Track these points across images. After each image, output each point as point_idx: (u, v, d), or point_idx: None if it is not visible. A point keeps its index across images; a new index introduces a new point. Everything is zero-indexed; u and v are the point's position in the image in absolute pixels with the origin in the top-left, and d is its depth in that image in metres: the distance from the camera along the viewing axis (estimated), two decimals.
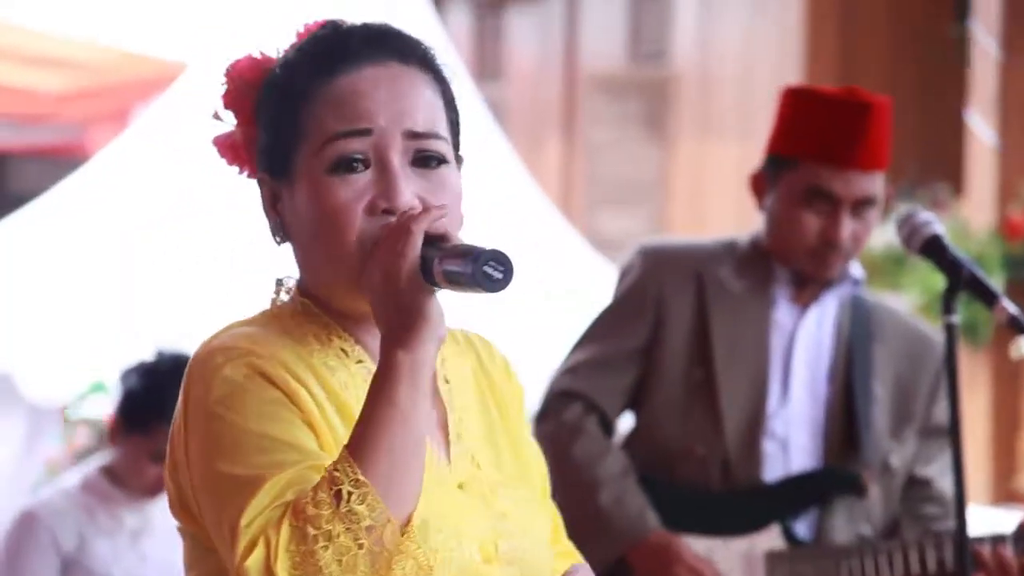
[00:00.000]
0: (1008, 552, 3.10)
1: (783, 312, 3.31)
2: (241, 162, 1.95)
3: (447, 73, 1.92)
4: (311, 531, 1.67)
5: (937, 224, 2.94)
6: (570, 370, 3.35)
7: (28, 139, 7.88)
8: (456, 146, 1.91)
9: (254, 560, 1.68)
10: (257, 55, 1.94)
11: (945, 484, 3.31)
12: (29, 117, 7.46)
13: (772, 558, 3.24)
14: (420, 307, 1.73)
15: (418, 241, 1.74)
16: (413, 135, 1.84)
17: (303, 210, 1.84)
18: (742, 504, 3.26)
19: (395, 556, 1.69)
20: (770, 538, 3.25)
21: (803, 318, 3.31)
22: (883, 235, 9.95)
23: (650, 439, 3.33)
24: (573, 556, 2.04)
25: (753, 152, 12.48)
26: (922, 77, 10.49)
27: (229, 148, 1.94)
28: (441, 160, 1.85)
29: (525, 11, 12.61)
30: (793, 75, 10.61)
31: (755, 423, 3.25)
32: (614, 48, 11.74)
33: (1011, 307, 2.77)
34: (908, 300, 9.22)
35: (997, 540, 3.11)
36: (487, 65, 12.48)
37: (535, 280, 5.80)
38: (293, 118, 1.85)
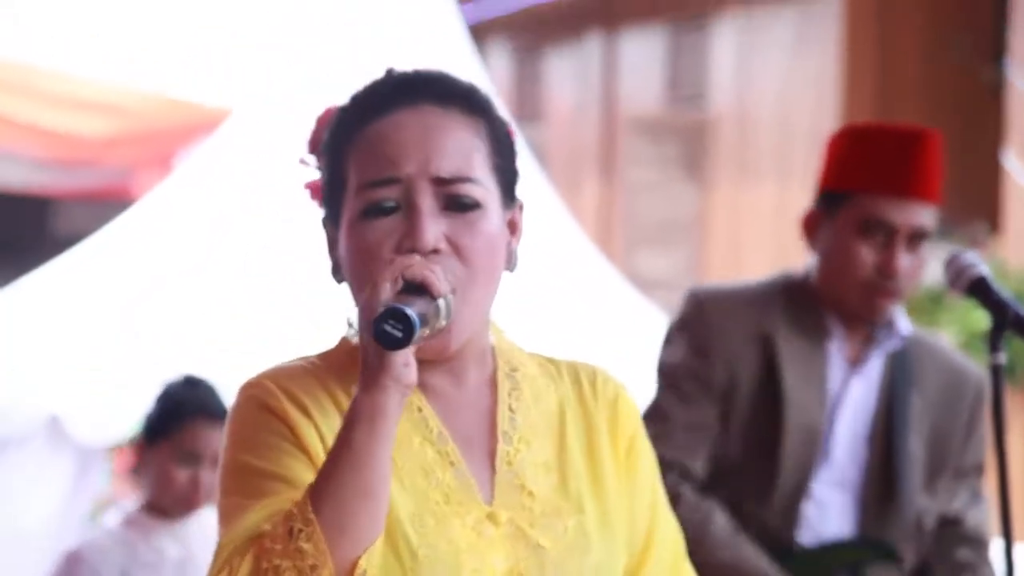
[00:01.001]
0: None
1: (835, 371, 3.26)
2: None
3: (496, 118, 1.94)
4: (264, 564, 1.73)
5: (983, 265, 2.96)
6: (658, 436, 3.28)
7: (74, 182, 7.95)
8: (506, 188, 1.93)
9: None
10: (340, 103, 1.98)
11: (975, 516, 3.30)
12: (75, 161, 7.52)
13: None
14: (376, 356, 1.75)
15: (380, 292, 1.76)
16: (440, 180, 1.87)
17: (343, 252, 1.90)
18: (781, 567, 3.20)
19: None
20: None
21: (850, 382, 3.27)
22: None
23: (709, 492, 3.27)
24: None
25: (791, 194, 12.59)
26: (959, 118, 10.51)
27: (316, 192, 2.00)
28: (474, 204, 1.87)
29: (564, 54, 12.67)
30: (830, 118, 10.64)
31: (801, 485, 3.21)
32: (652, 90, 11.78)
33: None
34: (947, 338, 9.21)
35: None
36: (526, 108, 12.54)
37: (576, 320, 5.82)
38: (338, 165, 1.91)
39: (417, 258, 1.81)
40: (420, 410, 1.90)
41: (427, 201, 1.85)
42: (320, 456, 1.82)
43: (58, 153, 7.39)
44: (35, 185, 8.09)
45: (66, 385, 5.37)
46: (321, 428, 1.85)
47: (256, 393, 1.85)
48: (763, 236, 10.76)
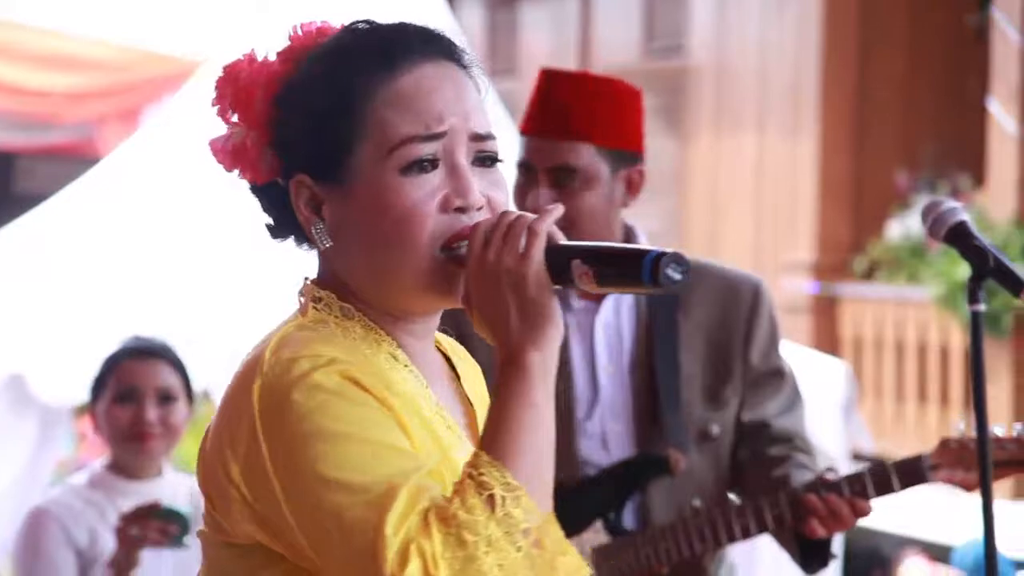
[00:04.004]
0: (838, 499, 3.14)
1: (577, 313, 3.32)
2: (245, 166, 1.89)
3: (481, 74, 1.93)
4: (469, 537, 1.66)
5: (962, 211, 2.89)
6: None
7: (38, 139, 7.87)
8: None
9: (412, 571, 1.65)
10: (255, 54, 1.89)
11: (784, 423, 3.34)
12: (39, 117, 7.44)
13: (596, 553, 3.25)
14: (547, 307, 1.76)
15: (543, 242, 1.76)
16: (477, 137, 1.85)
17: (366, 212, 1.81)
18: (564, 506, 3.23)
19: (555, 557, 1.71)
20: (595, 534, 3.26)
21: (597, 313, 3.32)
22: (901, 227, 9.91)
23: None
24: None
25: (771, 145, 12.52)
26: (942, 66, 10.43)
27: (230, 152, 1.88)
28: (496, 159, 1.87)
29: (539, 5, 12.58)
30: (811, 66, 10.55)
31: (567, 428, 3.23)
32: (629, 41, 11.70)
33: None
34: (927, 291, 9.16)
35: (829, 487, 3.15)
36: (501, 60, 12.45)
37: None
38: (350, 118, 1.83)
39: (560, 209, 1.81)
40: (426, 387, 1.87)
41: (463, 157, 1.84)
42: (405, 424, 1.76)
43: (21, 108, 7.30)
44: None
45: (29, 344, 5.31)
46: (387, 395, 1.77)
47: (334, 366, 1.74)
48: (743, 187, 10.70)
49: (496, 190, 1.85)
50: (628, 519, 3.29)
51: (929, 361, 9.64)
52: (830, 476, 3.19)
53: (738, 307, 3.35)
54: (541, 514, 1.70)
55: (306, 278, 1.89)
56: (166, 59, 7.17)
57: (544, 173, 3.25)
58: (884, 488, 3.18)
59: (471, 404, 1.94)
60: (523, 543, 1.68)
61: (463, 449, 1.83)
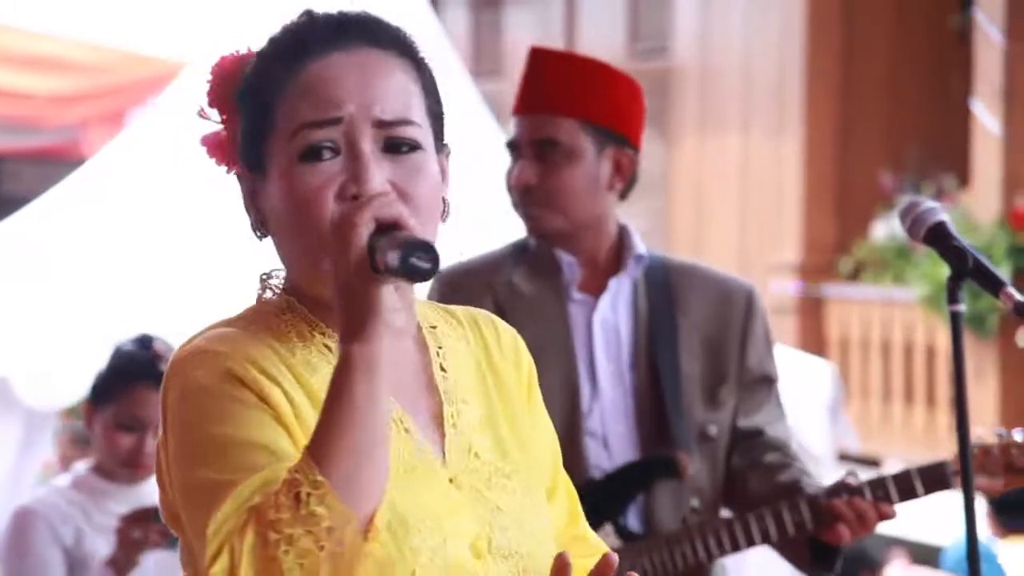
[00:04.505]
0: (864, 502, 3.12)
1: (577, 304, 3.29)
2: (228, 160, 1.92)
3: (426, 62, 1.88)
4: (272, 535, 1.64)
5: (941, 211, 2.89)
6: None
7: (24, 142, 7.86)
8: (438, 133, 1.88)
9: (219, 568, 1.66)
10: (242, 51, 1.91)
11: (777, 431, 3.33)
12: (24, 120, 7.43)
13: None
14: (369, 299, 1.69)
15: (362, 232, 1.70)
16: (382, 123, 1.80)
17: (277, 201, 1.82)
18: None
19: (355, 557, 1.66)
20: (604, 537, 3.21)
21: (596, 308, 3.28)
22: (887, 228, 9.92)
23: None
24: (585, 542, 2.02)
25: (755, 145, 12.53)
26: (926, 68, 10.44)
27: (216, 146, 1.92)
28: (414, 146, 1.82)
29: (523, 6, 12.58)
30: (795, 66, 10.57)
31: (573, 425, 3.21)
32: (614, 43, 11.70)
33: (1017, 294, 2.72)
34: (913, 292, 9.17)
35: (852, 491, 3.13)
36: (485, 61, 12.45)
37: None
38: (265, 110, 1.83)
39: (392, 195, 1.75)
40: None
41: (369, 144, 1.79)
42: (291, 422, 1.75)
43: (5, 111, 7.29)
44: None
45: (14, 347, 5.30)
46: (289, 392, 1.77)
47: (218, 362, 1.76)
48: (728, 189, 10.70)
49: (411, 179, 1.80)
50: (632, 521, 3.26)
51: (915, 362, 9.65)
52: (851, 480, 3.17)
53: (733, 310, 3.33)
54: (345, 513, 1.65)
55: (267, 271, 1.90)
56: (150, 61, 7.17)
57: (527, 146, 3.23)
58: (907, 494, 3.17)
59: (438, 393, 1.88)
60: (326, 542, 1.64)
61: (397, 441, 1.80)
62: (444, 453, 1.85)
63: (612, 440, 3.27)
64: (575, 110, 3.25)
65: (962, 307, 2.66)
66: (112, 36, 7.13)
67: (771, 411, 3.35)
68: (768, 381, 3.36)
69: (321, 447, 1.67)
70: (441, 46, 6.08)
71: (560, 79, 3.26)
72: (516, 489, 1.87)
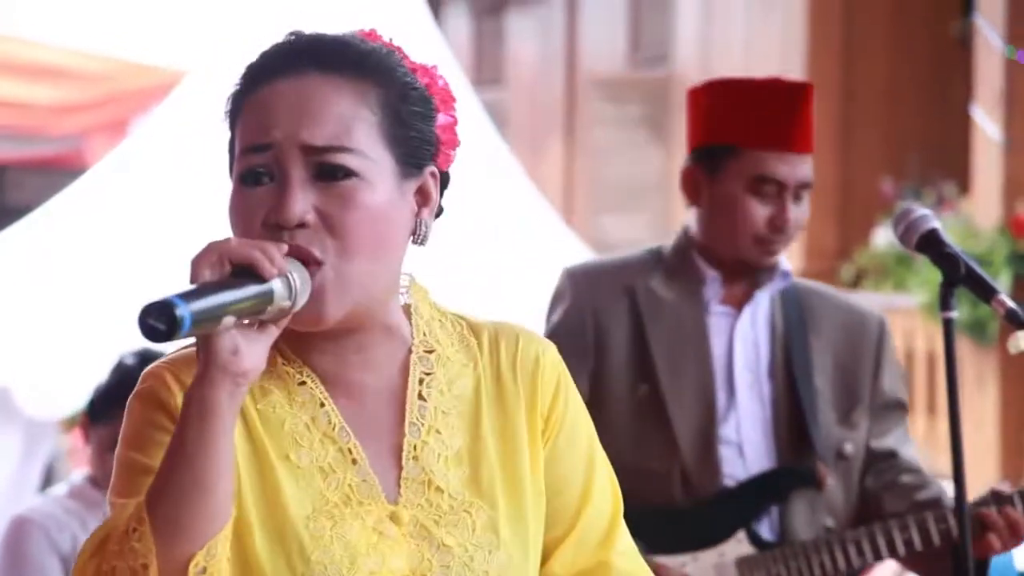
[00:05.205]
0: (1016, 511, 3.10)
1: (717, 316, 3.29)
2: None
3: (398, 85, 1.85)
4: (103, 566, 1.69)
5: (934, 219, 2.90)
6: None
7: (26, 151, 7.86)
8: (406, 158, 1.84)
9: None
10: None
11: (909, 453, 3.32)
12: (26, 129, 7.44)
13: (743, 564, 3.21)
14: (204, 345, 1.69)
15: (204, 273, 1.69)
16: (311, 148, 1.79)
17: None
18: (705, 515, 3.23)
19: None
20: (738, 545, 3.22)
21: (738, 320, 3.29)
22: (887, 235, 9.92)
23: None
24: (608, 568, 1.94)
25: None
26: (926, 74, 10.44)
27: None
28: (348, 173, 1.79)
29: (525, 14, 12.59)
30: (796, 74, 10.56)
31: (708, 431, 3.22)
32: (615, 51, 11.72)
33: (1009, 301, 2.73)
34: (913, 299, 9.18)
35: (1003, 500, 3.11)
36: (487, 69, 12.46)
37: (536, 288, 5.75)
38: (232, 130, 1.86)
39: (248, 240, 1.73)
40: (322, 405, 1.84)
41: (297, 171, 1.78)
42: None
43: (7, 121, 7.30)
44: None
45: (15, 357, 5.31)
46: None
47: (150, 386, 1.80)
48: None
49: (339, 207, 1.77)
50: (765, 531, 3.25)
51: (916, 369, 9.65)
52: (1003, 489, 3.17)
53: (865, 337, 3.34)
54: (152, 552, 1.66)
55: None
56: (151, 70, 7.17)
57: (795, 187, 3.23)
58: None
59: (403, 425, 1.85)
60: None
61: (341, 471, 1.81)
62: (398, 486, 1.84)
63: (747, 448, 3.26)
64: (812, 147, 3.27)
65: (954, 314, 2.68)
66: (113, 46, 7.14)
67: (902, 435, 3.34)
68: (900, 407, 3.36)
69: (154, 486, 1.69)
70: (442, 55, 6.09)
71: (807, 117, 3.25)
72: (475, 525, 1.84)
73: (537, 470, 1.90)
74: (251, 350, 1.69)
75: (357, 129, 1.80)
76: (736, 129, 3.24)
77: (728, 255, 3.27)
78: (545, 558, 1.92)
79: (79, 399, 4.99)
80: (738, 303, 3.30)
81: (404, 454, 1.84)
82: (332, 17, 5.09)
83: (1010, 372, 8.68)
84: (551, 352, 1.94)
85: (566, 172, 11.61)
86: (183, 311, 1.62)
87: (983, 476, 7.94)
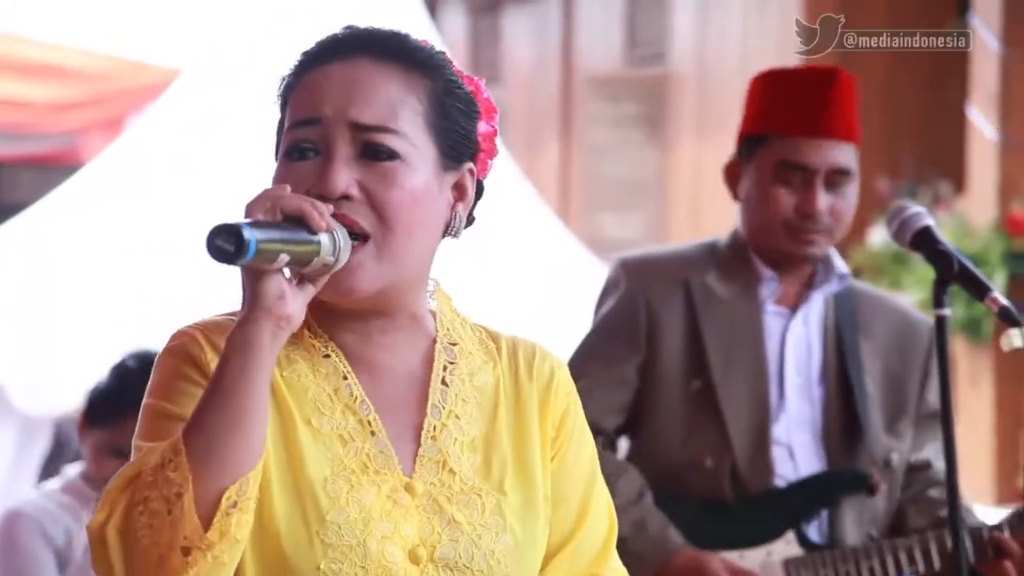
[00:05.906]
0: None
1: (771, 316, 3.28)
2: None
3: (446, 80, 1.93)
4: (136, 495, 1.73)
5: (927, 216, 2.91)
6: None
7: (21, 148, 7.88)
8: (447, 150, 1.91)
9: (95, 521, 1.74)
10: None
11: (940, 466, 3.28)
12: (22, 126, 7.45)
13: (791, 565, 3.21)
14: (250, 287, 1.76)
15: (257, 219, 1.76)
16: (359, 126, 1.86)
17: None
18: (755, 513, 3.23)
19: (189, 524, 1.71)
20: (786, 545, 3.22)
21: (791, 321, 3.27)
22: (883, 233, 9.92)
23: (654, 456, 3.26)
24: None
25: None
26: (922, 74, 10.45)
27: None
28: (392, 155, 1.86)
29: (521, 12, 12.59)
30: None
31: (762, 430, 3.22)
32: (611, 49, 11.71)
33: (1002, 299, 2.74)
34: (909, 298, 9.18)
35: (1016, 526, 3.10)
36: (483, 67, 12.45)
37: (532, 287, 5.76)
38: (282, 109, 1.93)
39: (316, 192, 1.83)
40: (345, 378, 1.90)
41: (343, 147, 1.86)
42: None
43: (6, 119, 7.31)
44: None
45: (11, 353, 5.31)
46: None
47: (181, 342, 1.85)
48: (725, 195, 10.69)
49: (381, 185, 1.85)
50: (813, 533, 3.24)
51: None
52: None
53: (917, 344, 3.32)
54: (188, 480, 1.71)
55: None
56: (147, 68, 7.19)
57: (827, 173, 3.19)
58: None
59: (423, 405, 1.91)
60: (174, 507, 1.71)
61: (360, 439, 1.86)
62: (414, 462, 1.90)
63: (797, 450, 3.25)
64: (856, 135, 3.23)
65: (947, 311, 2.68)
66: (109, 43, 7.15)
67: (938, 448, 3.30)
68: (938, 416, 3.28)
69: (192, 419, 1.74)
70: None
71: (843, 102, 3.22)
72: (485, 508, 1.90)
73: (546, 472, 1.97)
74: (295, 298, 1.76)
75: (403, 114, 1.88)
76: (766, 117, 3.24)
77: (766, 246, 3.24)
78: (541, 567, 1.97)
79: (75, 396, 4.99)
80: (792, 304, 3.27)
81: (424, 432, 1.91)
82: (328, 16, 5.10)
83: (1005, 371, 8.68)
84: (565, 370, 2.02)
85: (562, 170, 11.61)
86: (250, 235, 1.68)
87: (979, 478, 7.95)
